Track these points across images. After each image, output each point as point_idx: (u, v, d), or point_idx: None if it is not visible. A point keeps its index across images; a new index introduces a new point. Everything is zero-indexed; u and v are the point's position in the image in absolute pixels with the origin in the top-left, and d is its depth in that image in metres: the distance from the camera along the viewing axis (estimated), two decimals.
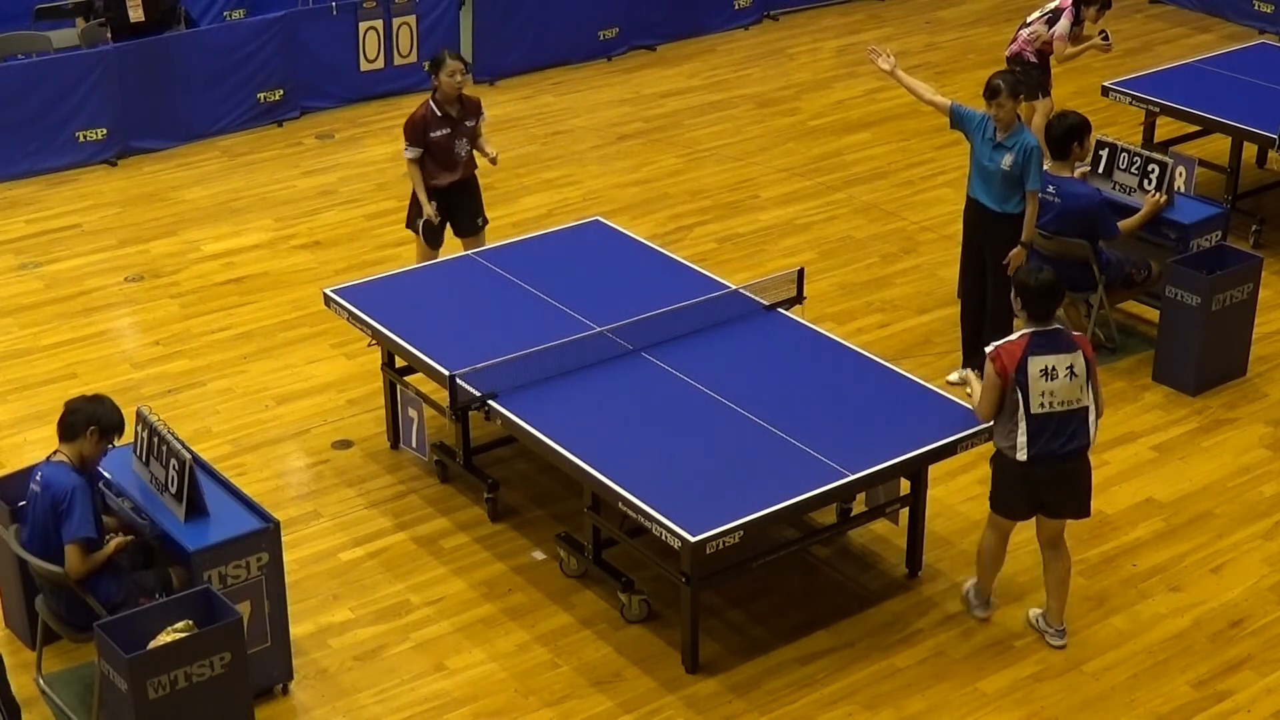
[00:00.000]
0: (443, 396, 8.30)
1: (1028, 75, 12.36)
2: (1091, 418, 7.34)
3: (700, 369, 8.29)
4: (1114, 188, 10.18)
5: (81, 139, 12.79)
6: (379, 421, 9.35)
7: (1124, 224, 9.78)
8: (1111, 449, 9.26)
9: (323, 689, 7.51)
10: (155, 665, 6.51)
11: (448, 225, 10.06)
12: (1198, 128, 11.90)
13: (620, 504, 7.37)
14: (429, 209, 9.87)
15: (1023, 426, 7.26)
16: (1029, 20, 12.12)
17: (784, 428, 7.81)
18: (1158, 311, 9.95)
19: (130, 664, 6.45)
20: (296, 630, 7.63)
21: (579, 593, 8.11)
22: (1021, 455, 7.30)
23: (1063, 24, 11.85)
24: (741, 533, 7.16)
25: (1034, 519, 7.58)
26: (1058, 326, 7.39)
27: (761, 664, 7.64)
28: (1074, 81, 13.89)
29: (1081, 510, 7.56)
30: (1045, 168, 10.08)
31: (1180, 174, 10.60)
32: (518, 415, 7.93)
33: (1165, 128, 12.23)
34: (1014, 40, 12.24)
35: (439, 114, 9.81)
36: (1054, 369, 7.23)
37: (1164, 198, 9.92)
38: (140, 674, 6.47)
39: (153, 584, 7.13)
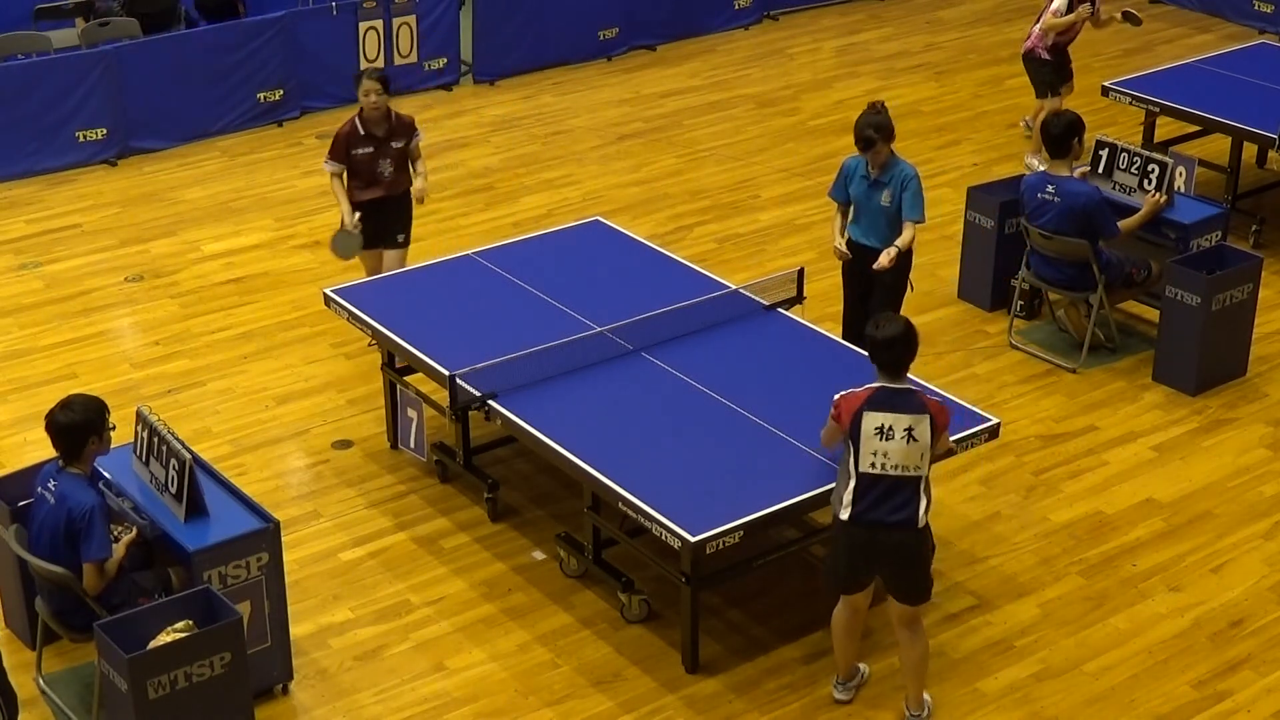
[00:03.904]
0: (443, 396, 8.30)
1: (1038, 73, 12.37)
2: (923, 492, 6.80)
3: (700, 369, 8.29)
4: (1114, 188, 10.18)
5: (81, 139, 12.79)
6: (379, 421, 9.35)
7: (1124, 224, 9.79)
8: (1111, 449, 9.27)
9: (323, 689, 7.51)
10: (155, 665, 6.51)
11: (362, 240, 9.82)
12: (1198, 128, 11.90)
13: (620, 504, 7.37)
14: (348, 218, 9.70)
15: (850, 484, 6.79)
16: (1039, 16, 12.17)
17: (784, 428, 7.81)
18: (1158, 311, 9.95)
19: (130, 664, 6.45)
20: (296, 630, 7.63)
21: (579, 593, 8.11)
22: (844, 514, 6.82)
23: (1059, 2, 11.93)
24: (741, 533, 7.16)
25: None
26: (910, 387, 6.84)
27: (761, 664, 7.64)
28: (1076, 80, 13.86)
29: (911, 595, 6.96)
30: (1043, 168, 10.10)
31: (1180, 174, 10.60)
32: (518, 415, 7.93)
33: (1165, 128, 12.24)
34: (1028, 37, 12.27)
35: (362, 132, 9.64)
36: (890, 429, 6.70)
37: (1164, 198, 9.92)
38: (140, 674, 6.47)
39: (153, 584, 7.13)
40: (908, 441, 6.72)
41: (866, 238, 9.14)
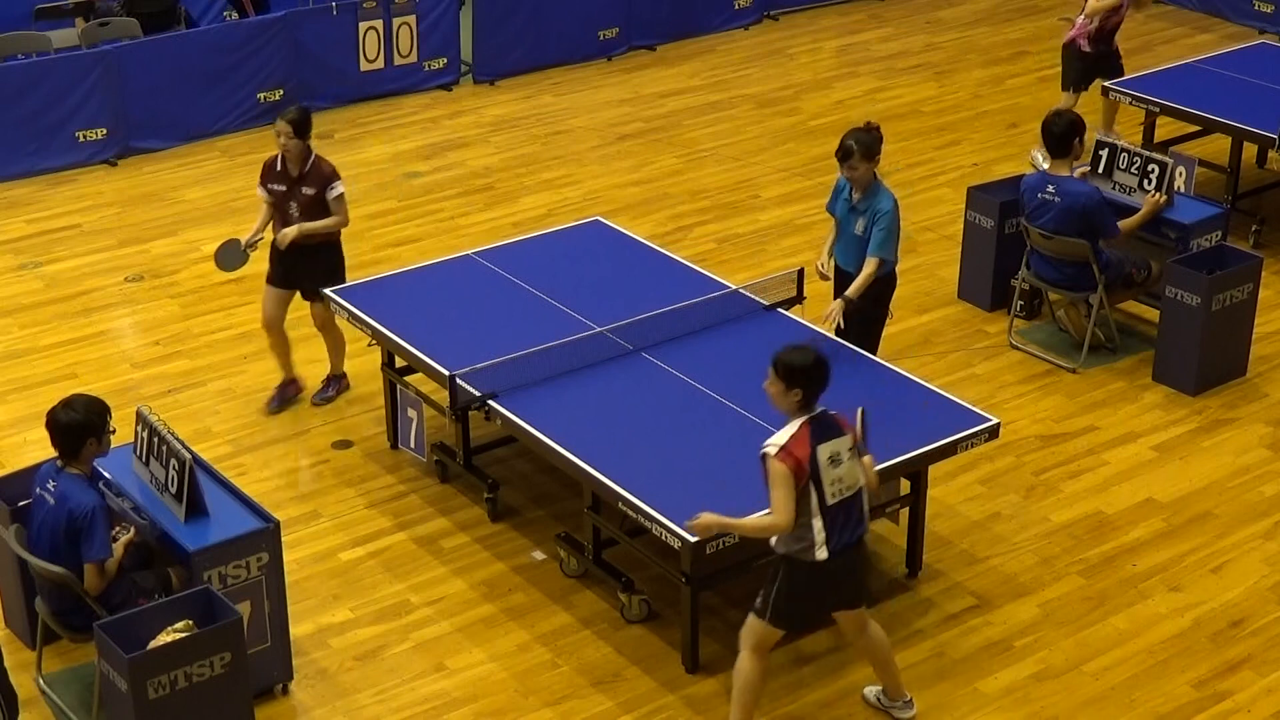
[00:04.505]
0: (443, 396, 8.30)
1: (1070, 65, 12.33)
2: (865, 496, 6.77)
3: (700, 369, 8.29)
4: (1114, 188, 10.18)
5: (81, 139, 12.80)
6: (379, 421, 9.35)
7: (1124, 224, 9.79)
8: (1111, 449, 9.27)
9: (323, 689, 7.51)
10: (155, 665, 6.51)
11: (246, 259, 9.48)
12: (1198, 128, 11.90)
13: (620, 504, 7.37)
14: (247, 236, 9.37)
15: (818, 524, 6.57)
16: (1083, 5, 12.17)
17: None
18: (1158, 311, 9.95)
19: (130, 664, 6.45)
20: (296, 630, 7.63)
21: (579, 593, 8.11)
22: (821, 554, 6.59)
23: None
24: None
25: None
26: (824, 409, 6.66)
27: None
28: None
29: (861, 597, 6.97)
30: (1044, 167, 10.09)
31: (1180, 174, 10.60)
32: (518, 415, 7.93)
33: (1165, 128, 12.24)
34: (1072, 26, 12.25)
35: (278, 168, 9.25)
36: (838, 454, 6.59)
37: (1164, 198, 9.92)
38: (140, 674, 6.47)
39: (153, 584, 7.13)
40: (850, 459, 6.65)
41: (844, 262, 8.92)
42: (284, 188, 9.22)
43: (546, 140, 13.40)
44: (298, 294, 9.44)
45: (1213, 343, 9.70)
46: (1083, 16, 12.17)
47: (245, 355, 10.21)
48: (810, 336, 8.66)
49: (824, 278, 9.08)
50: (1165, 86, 11.94)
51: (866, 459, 6.86)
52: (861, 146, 8.62)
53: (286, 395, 9.56)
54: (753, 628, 6.86)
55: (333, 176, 9.22)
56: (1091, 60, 12.22)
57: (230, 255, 9.47)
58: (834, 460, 6.57)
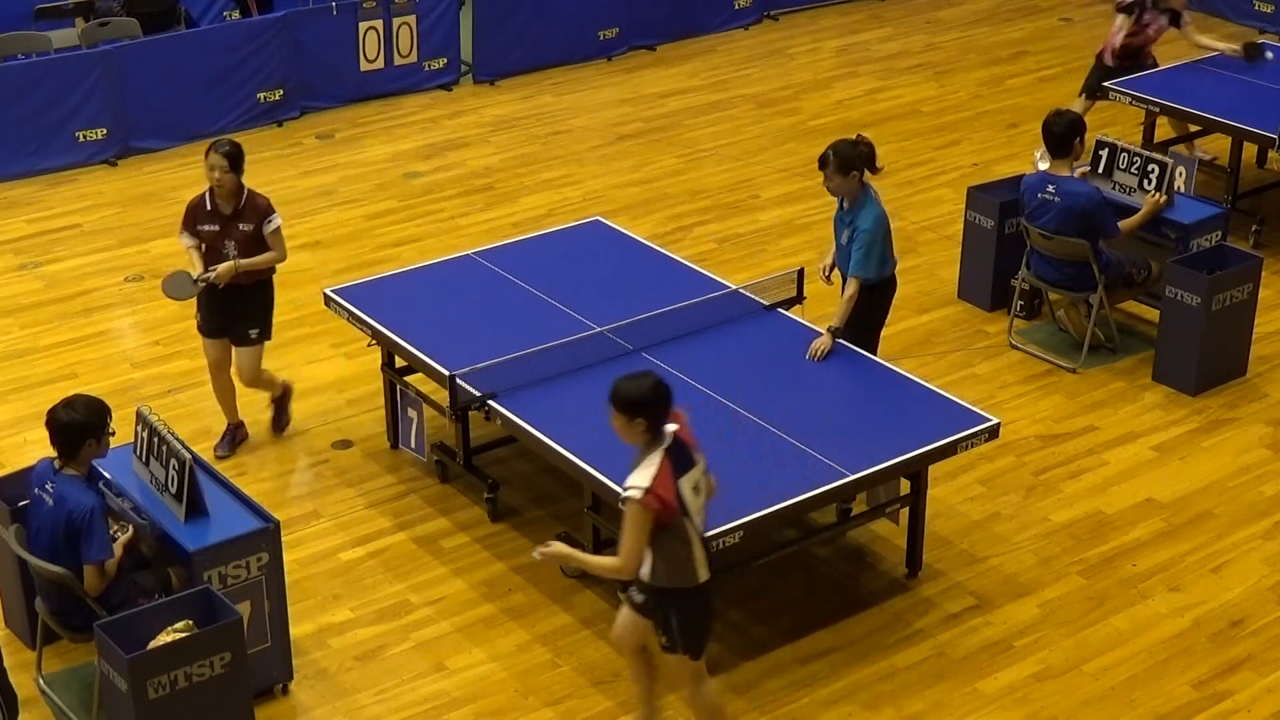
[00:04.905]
0: (443, 396, 8.30)
1: (1093, 73, 12.33)
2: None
3: (700, 369, 8.29)
4: (1114, 188, 10.18)
5: (81, 139, 12.80)
6: (379, 421, 9.35)
7: (1124, 224, 9.79)
8: (1111, 449, 9.27)
9: (323, 689, 7.51)
10: (155, 665, 6.51)
11: (194, 293, 8.83)
12: (1198, 128, 11.90)
13: (620, 504, 7.35)
14: (194, 269, 8.73)
15: (699, 551, 6.45)
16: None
17: (784, 428, 7.81)
18: (1158, 311, 9.95)
19: (130, 664, 6.45)
20: (296, 630, 7.63)
21: (579, 593, 8.11)
22: (703, 575, 6.48)
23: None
24: (741, 533, 7.16)
25: (641, 657, 6.90)
26: (671, 430, 6.40)
27: (761, 664, 7.64)
28: (1076, 80, 13.87)
29: None
30: (1044, 167, 10.09)
31: (1180, 174, 10.60)
32: (518, 415, 7.93)
33: (1165, 128, 12.24)
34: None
35: (209, 207, 8.70)
36: (697, 483, 6.46)
37: (1164, 198, 9.92)
38: (140, 674, 6.47)
39: (152, 584, 7.13)
40: (703, 480, 6.53)
41: (843, 267, 8.88)
42: (217, 227, 8.69)
43: (546, 140, 13.40)
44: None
45: (1213, 343, 9.70)
46: (1115, 28, 12.19)
47: None
48: (811, 336, 8.68)
49: (826, 281, 9.08)
50: (1165, 86, 11.94)
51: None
52: (839, 158, 8.51)
53: (237, 439, 9.22)
54: (679, 666, 6.70)
55: (269, 210, 8.77)
56: (1111, 75, 12.17)
57: (179, 285, 8.79)
58: (696, 489, 6.45)
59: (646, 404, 6.33)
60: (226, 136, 8.95)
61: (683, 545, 6.40)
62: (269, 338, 9.04)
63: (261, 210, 8.75)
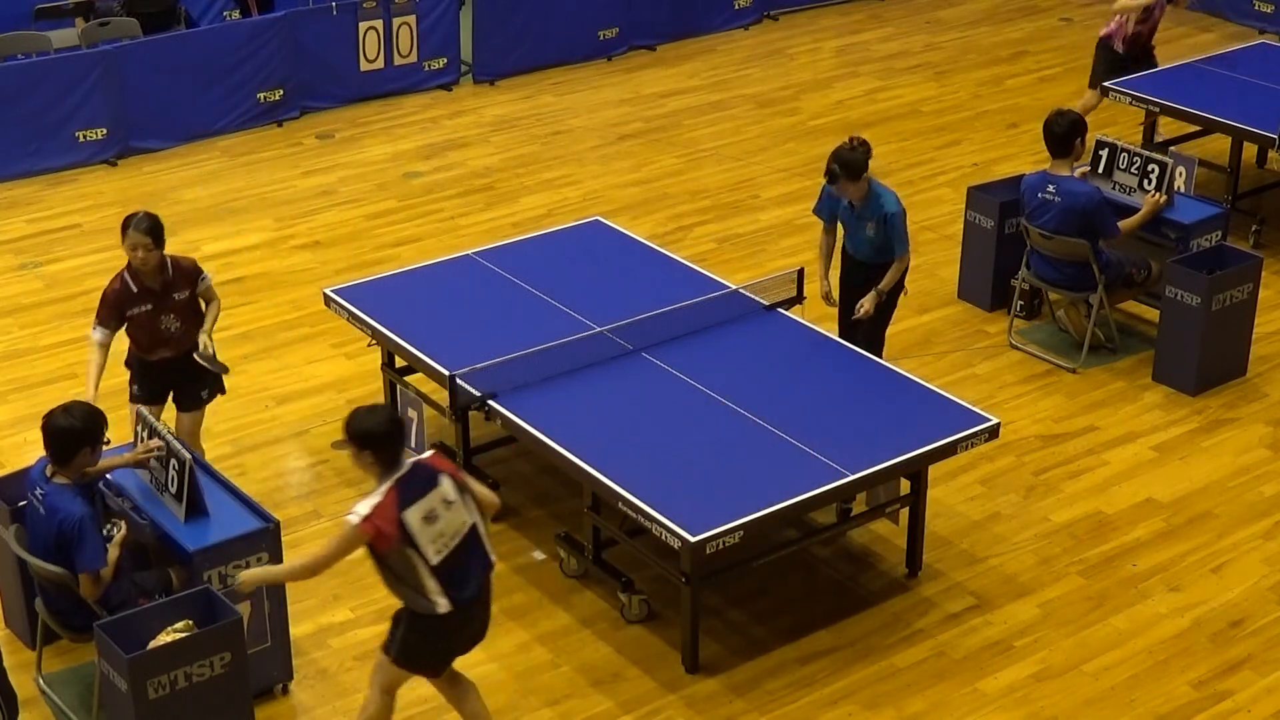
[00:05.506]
0: (443, 396, 8.30)
1: (1102, 62, 12.27)
2: (481, 529, 6.56)
3: (700, 369, 8.29)
4: (1114, 188, 10.18)
5: (81, 139, 12.79)
6: None
7: (1124, 224, 9.79)
8: (1111, 449, 9.27)
9: (323, 689, 7.51)
10: (155, 665, 6.51)
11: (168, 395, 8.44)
12: (1198, 128, 11.90)
13: (620, 504, 7.37)
14: (91, 392, 7.90)
15: (431, 583, 6.36)
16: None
17: (784, 428, 7.81)
18: (1158, 311, 9.95)
19: (130, 664, 6.45)
20: (296, 630, 7.63)
21: (579, 593, 8.11)
22: (442, 607, 6.39)
23: None
24: (741, 533, 7.16)
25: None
26: (413, 463, 6.46)
27: (761, 664, 7.64)
28: (1076, 80, 13.89)
29: (482, 636, 6.75)
30: (1045, 167, 10.09)
31: (1180, 174, 10.61)
32: (518, 415, 7.93)
33: (1165, 128, 12.23)
34: (1109, 23, 12.19)
35: (135, 289, 8.10)
36: (433, 510, 6.36)
37: (1164, 198, 9.92)
38: (140, 674, 6.47)
39: (153, 584, 7.12)
40: (448, 507, 6.42)
41: (857, 252, 9.15)
42: (150, 306, 8.12)
43: (546, 140, 13.40)
44: None
45: (1213, 343, 9.70)
46: (1118, 15, 12.12)
47: (245, 355, 10.21)
48: (810, 336, 8.69)
49: (831, 303, 9.22)
50: (1165, 86, 11.94)
51: (476, 492, 6.63)
52: (848, 168, 8.75)
53: None
54: (383, 667, 6.67)
55: (197, 268, 8.33)
56: (1122, 62, 12.14)
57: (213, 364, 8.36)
58: (430, 518, 6.35)
59: (374, 438, 6.38)
60: (141, 211, 8.25)
61: (409, 573, 6.37)
62: (222, 391, 8.58)
63: (190, 272, 8.28)
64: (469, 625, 6.60)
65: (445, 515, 6.40)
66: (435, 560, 6.35)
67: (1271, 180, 12.28)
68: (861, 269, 9.14)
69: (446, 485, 6.45)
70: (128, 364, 8.19)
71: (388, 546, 6.34)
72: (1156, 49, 12.44)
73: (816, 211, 9.30)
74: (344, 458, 9.13)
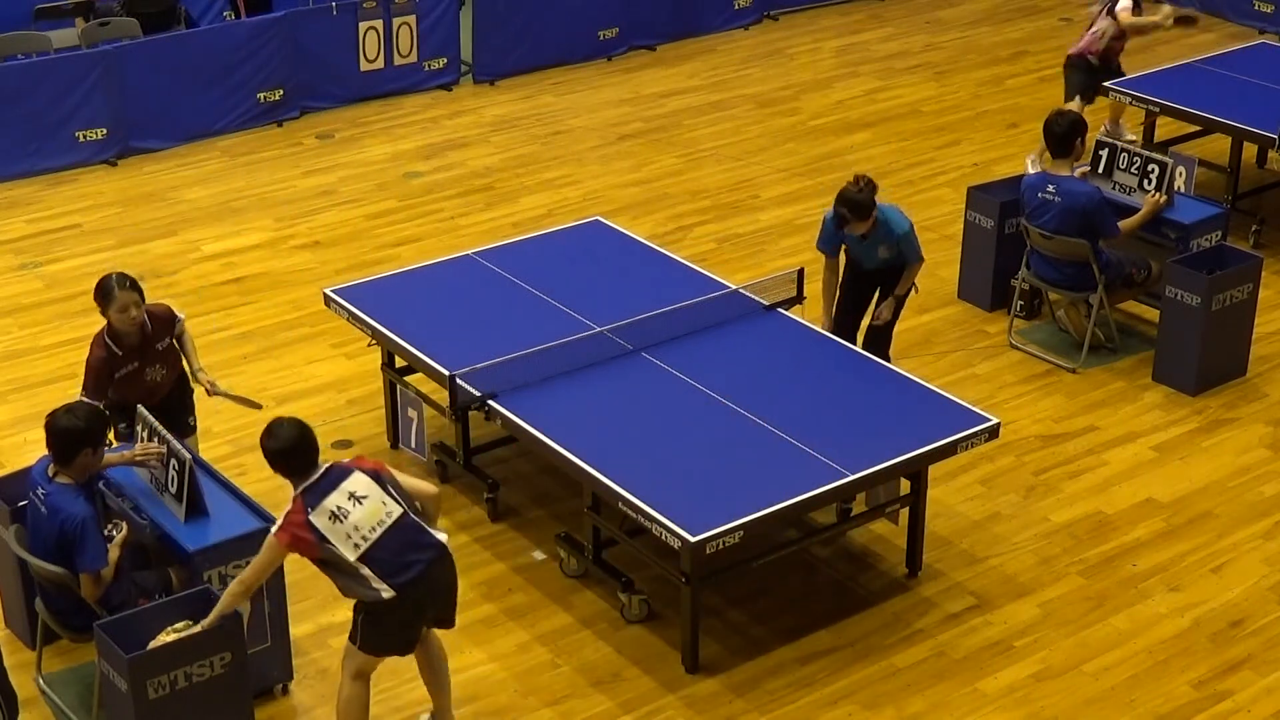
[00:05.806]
0: (443, 396, 8.30)
1: (1076, 76, 12.30)
2: (416, 516, 6.65)
3: (700, 369, 8.29)
4: (1114, 188, 10.18)
5: (81, 139, 12.79)
6: (379, 421, 9.34)
7: (1124, 224, 9.79)
8: (1111, 449, 9.27)
9: (323, 689, 7.51)
10: (155, 665, 6.51)
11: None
12: (1198, 128, 11.90)
13: (620, 504, 7.37)
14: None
15: (366, 570, 6.49)
16: (1093, 20, 12.12)
17: (784, 428, 7.81)
18: (1158, 311, 9.95)
19: (130, 664, 6.45)
20: (296, 630, 7.63)
21: (579, 593, 8.11)
22: (386, 594, 6.50)
23: (1124, 1, 11.86)
24: (741, 533, 7.16)
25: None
26: (323, 470, 6.61)
27: (761, 664, 7.64)
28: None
29: (452, 612, 6.87)
30: (1045, 168, 10.10)
31: (1180, 174, 10.61)
32: (518, 415, 7.93)
33: (1165, 128, 12.23)
34: (1079, 40, 12.21)
35: (119, 351, 7.97)
36: (340, 507, 6.50)
37: (1164, 198, 9.92)
38: (140, 674, 6.47)
39: (153, 584, 7.12)
40: (359, 504, 6.52)
41: (868, 265, 9.18)
42: (136, 363, 8.02)
43: (546, 140, 13.40)
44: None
45: (1213, 343, 9.69)
46: (1090, 33, 12.13)
47: (245, 355, 10.21)
48: (810, 336, 8.68)
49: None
50: (1165, 86, 11.94)
51: (407, 483, 6.76)
52: (858, 210, 8.80)
53: None
54: (350, 654, 6.79)
55: (172, 314, 8.19)
56: (1096, 72, 12.15)
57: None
58: (337, 515, 6.48)
59: (277, 455, 6.63)
60: (117, 271, 8.15)
61: (345, 567, 6.52)
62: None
63: (167, 318, 8.16)
64: (420, 605, 6.68)
65: (356, 510, 6.53)
66: (353, 555, 6.49)
67: (1271, 180, 12.28)
68: (869, 274, 9.21)
69: (356, 481, 6.59)
70: (108, 409, 7.74)
71: (312, 551, 6.53)
72: (1155, 49, 12.44)
73: (821, 247, 9.21)
74: (344, 457, 9.15)
